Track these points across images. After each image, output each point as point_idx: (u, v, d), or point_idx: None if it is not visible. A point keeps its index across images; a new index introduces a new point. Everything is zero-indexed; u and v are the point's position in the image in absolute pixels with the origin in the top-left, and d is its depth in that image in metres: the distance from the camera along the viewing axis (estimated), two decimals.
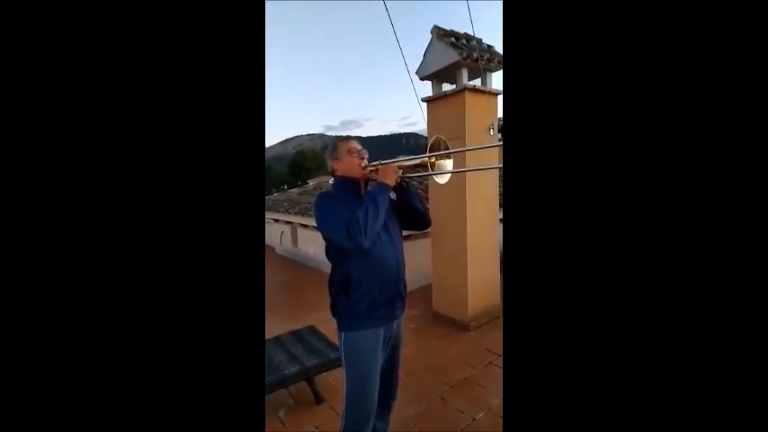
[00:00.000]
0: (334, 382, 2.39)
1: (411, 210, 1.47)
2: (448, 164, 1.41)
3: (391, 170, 1.34)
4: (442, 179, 1.39)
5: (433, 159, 1.36)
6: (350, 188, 1.40)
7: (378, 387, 1.36)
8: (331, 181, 1.48)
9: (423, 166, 1.38)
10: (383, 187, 1.30)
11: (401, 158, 1.44)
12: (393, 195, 1.43)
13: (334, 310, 1.37)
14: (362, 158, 1.40)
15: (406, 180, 1.47)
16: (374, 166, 1.40)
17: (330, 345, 2.38)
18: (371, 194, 1.28)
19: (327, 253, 1.39)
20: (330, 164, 1.44)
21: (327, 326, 1.63)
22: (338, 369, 1.67)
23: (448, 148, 1.39)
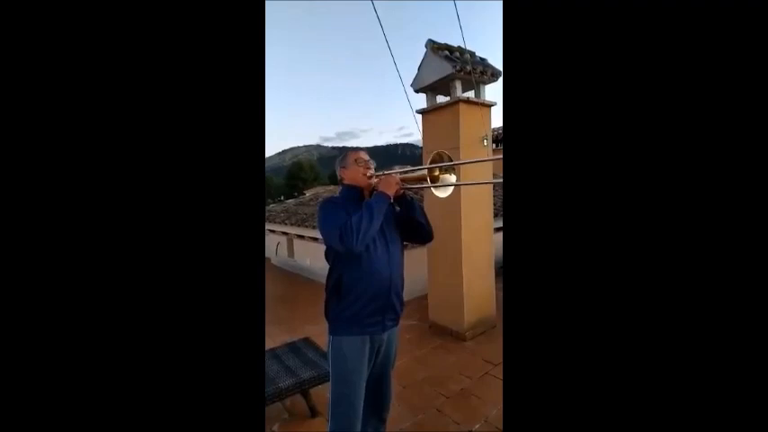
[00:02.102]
0: (329, 395, 2.36)
1: (413, 222, 1.50)
2: (450, 178, 1.46)
3: (392, 181, 1.38)
4: (444, 193, 1.41)
5: (436, 172, 1.41)
6: (353, 196, 1.45)
7: (362, 393, 1.37)
8: (339, 189, 1.54)
9: (425, 179, 1.41)
10: (381, 196, 1.35)
11: (403, 169, 1.48)
12: (397, 207, 1.49)
13: (327, 313, 1.41)
14: (368, 168, 1.46)
15: (411, 193, 1.51)
16: (378, 176, 1.46)
17: (326, 357, 2.35)
18: (369, 202, 1.33)
19: (327, 255, 1.43)
20: (339, 172, 1.52)
21: (323, 338, 1.62)
22: None
23: (451, 162, 1.43)
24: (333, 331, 1.38)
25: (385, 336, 1.43)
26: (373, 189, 1.46)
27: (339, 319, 1.36)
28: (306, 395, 2.20)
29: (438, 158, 1.41)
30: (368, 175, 1.45)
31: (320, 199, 5.57)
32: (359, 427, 1.36)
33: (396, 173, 1.45)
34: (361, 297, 1.34)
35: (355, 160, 1.47)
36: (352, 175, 1.47)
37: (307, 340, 2.63)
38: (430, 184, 1.38)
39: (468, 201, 3.13)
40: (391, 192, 1.37)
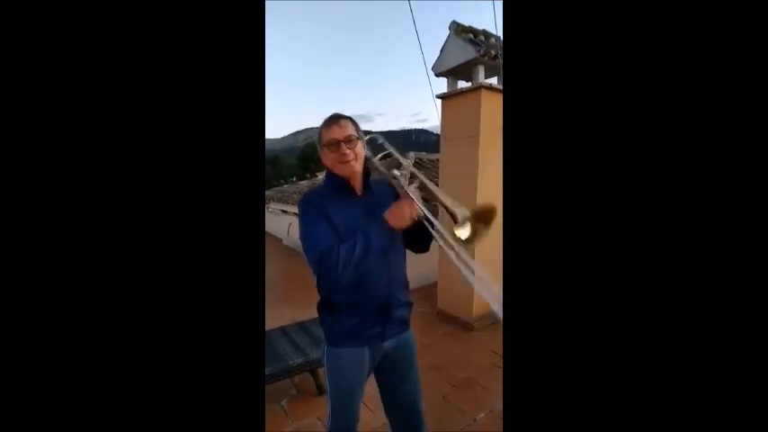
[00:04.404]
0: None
1: (419, 236, 1.12)
2: (463, 233, 1.02)
3: (406, 212, 1.00)
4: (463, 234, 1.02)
5: (461, 222, 1.00)
6: (340, 185, 1.13)
7: (359, 401, 1.28)
8: None
9: (445, 209, 1.03)
10: (384, 230, 1.01)
11: (426, 182, 1.08)
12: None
13: (320, 319, 1.25)
14: (343, 154, 1.07)
15: (422, 214, 1.05)
16: (386, 155, 1.14)
17: None
18: (367, 235, 1.00)
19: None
20: (319, 152, 1.15)
21: None
22: None
23: (487, 223, 1.03)
24: (328, 342, 1.22)
25: (387, 345, 1.22)
26: (368, 174, 1.17)
27: (334, 331, 1.20)
28: (314, 373, 2.25)
29: (483, 213, 1.02)
30: (344, 161, 1.07)
31: None
32: (356, 428, 1.30)
33: (415, 188, 1.06)
34: (355, 312, 1.15)
35: (326, 144, 1.08)
36: (327, 161, 1.11)
37: (316, 320, 2.67)
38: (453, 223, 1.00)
39: (484, 191, 3.08)
40: (399, 226, 1.01)
